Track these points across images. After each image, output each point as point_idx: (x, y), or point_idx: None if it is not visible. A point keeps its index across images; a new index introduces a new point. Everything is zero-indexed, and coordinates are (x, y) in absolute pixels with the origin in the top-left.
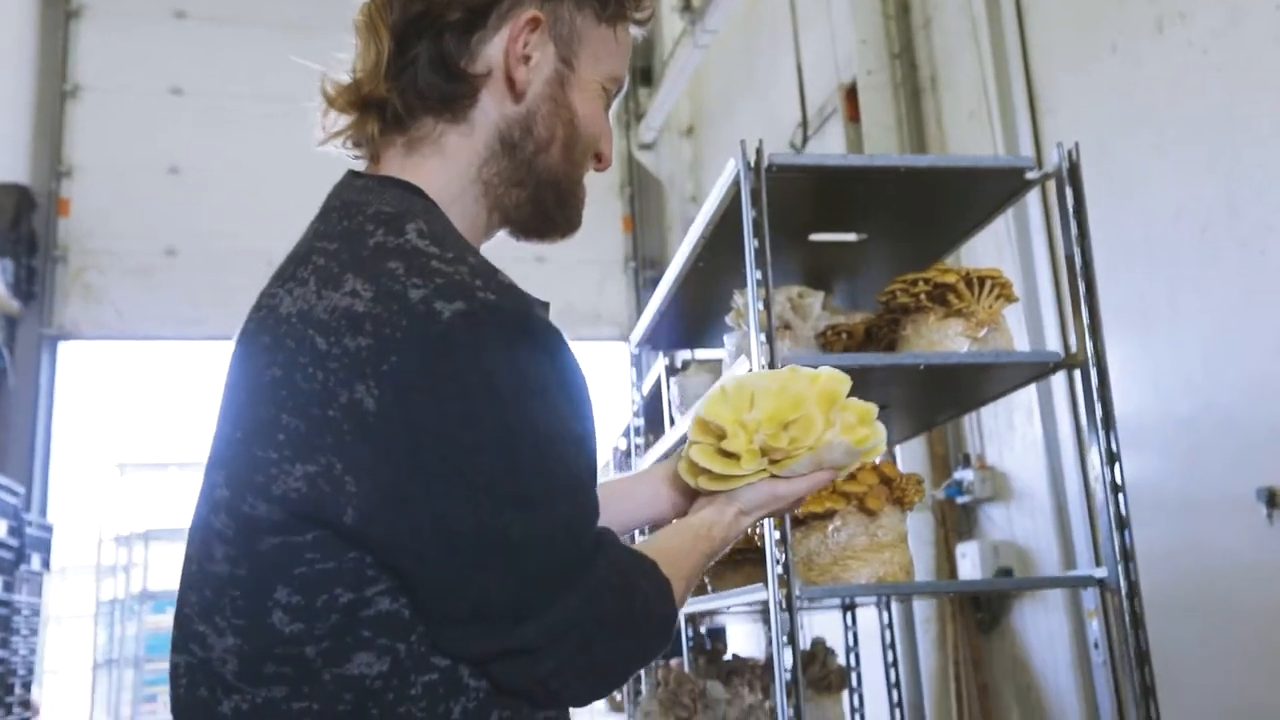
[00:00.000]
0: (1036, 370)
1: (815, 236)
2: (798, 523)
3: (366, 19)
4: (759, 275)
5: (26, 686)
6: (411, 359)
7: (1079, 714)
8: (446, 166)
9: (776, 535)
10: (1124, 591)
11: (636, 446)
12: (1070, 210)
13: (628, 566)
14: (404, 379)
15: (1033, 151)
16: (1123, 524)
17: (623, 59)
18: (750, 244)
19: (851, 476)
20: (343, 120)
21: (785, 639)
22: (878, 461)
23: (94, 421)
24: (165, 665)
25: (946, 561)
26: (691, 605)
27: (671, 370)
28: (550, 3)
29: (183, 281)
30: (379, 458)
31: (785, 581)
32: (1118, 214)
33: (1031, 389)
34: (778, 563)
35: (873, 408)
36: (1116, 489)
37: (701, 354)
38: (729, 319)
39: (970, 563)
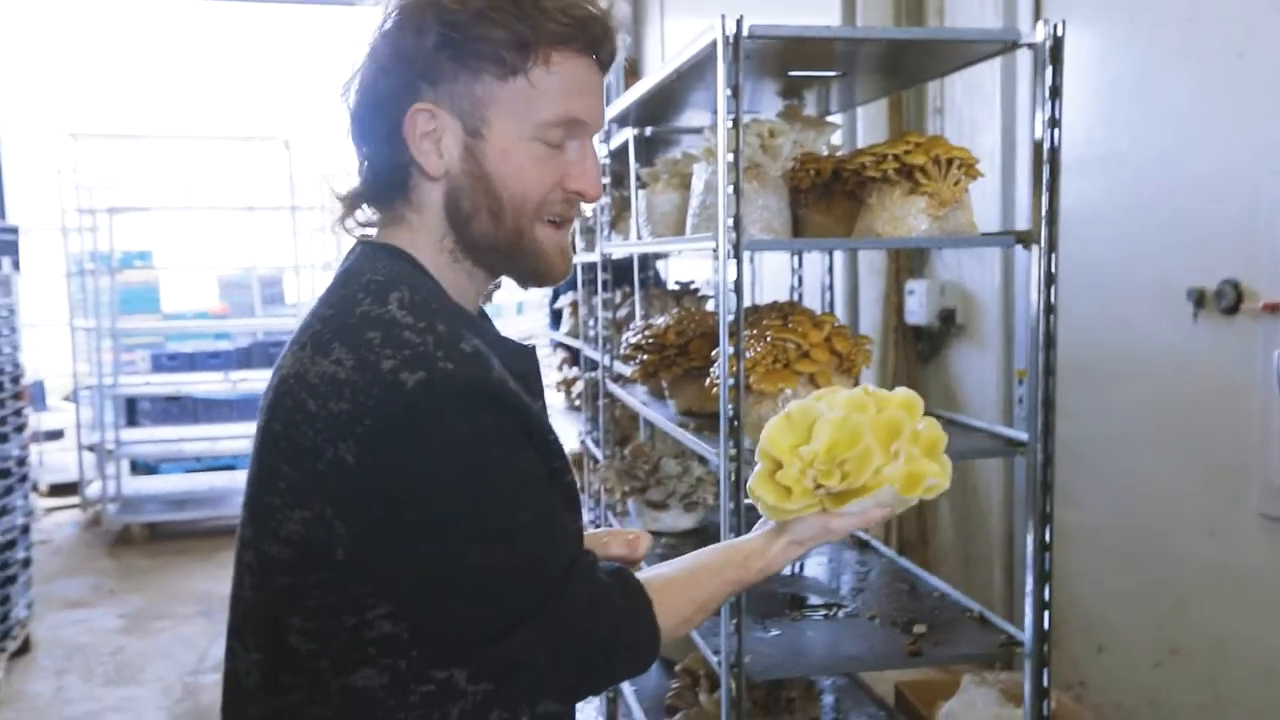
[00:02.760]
0: (994, 244)
1: (794, 72)
2: (749, 390)
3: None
4: (730, 123)
5: (15, 381)
6: (382, 423)
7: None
8: (418, 238)
9: (730, 409)
10: (1042, 370)
11: (602, 225)
12: (1047, 90)
13: (604, 588)
14: (376, 440)
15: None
16: (1050, 310)
17: (554, 102)
18: (724, 93)
19: (805, 355)
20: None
21: (731, 489)
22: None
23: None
24: (142, 323)
25: (895, 295)
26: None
27: (640, 143)
28: (443, 85)
29: None
30: (360, 506)
31: (737, 445)
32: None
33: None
34: (730, 422)
35: (942, 437)
36: (1049, 310)
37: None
38: (698, 152)
39: (917, 300)
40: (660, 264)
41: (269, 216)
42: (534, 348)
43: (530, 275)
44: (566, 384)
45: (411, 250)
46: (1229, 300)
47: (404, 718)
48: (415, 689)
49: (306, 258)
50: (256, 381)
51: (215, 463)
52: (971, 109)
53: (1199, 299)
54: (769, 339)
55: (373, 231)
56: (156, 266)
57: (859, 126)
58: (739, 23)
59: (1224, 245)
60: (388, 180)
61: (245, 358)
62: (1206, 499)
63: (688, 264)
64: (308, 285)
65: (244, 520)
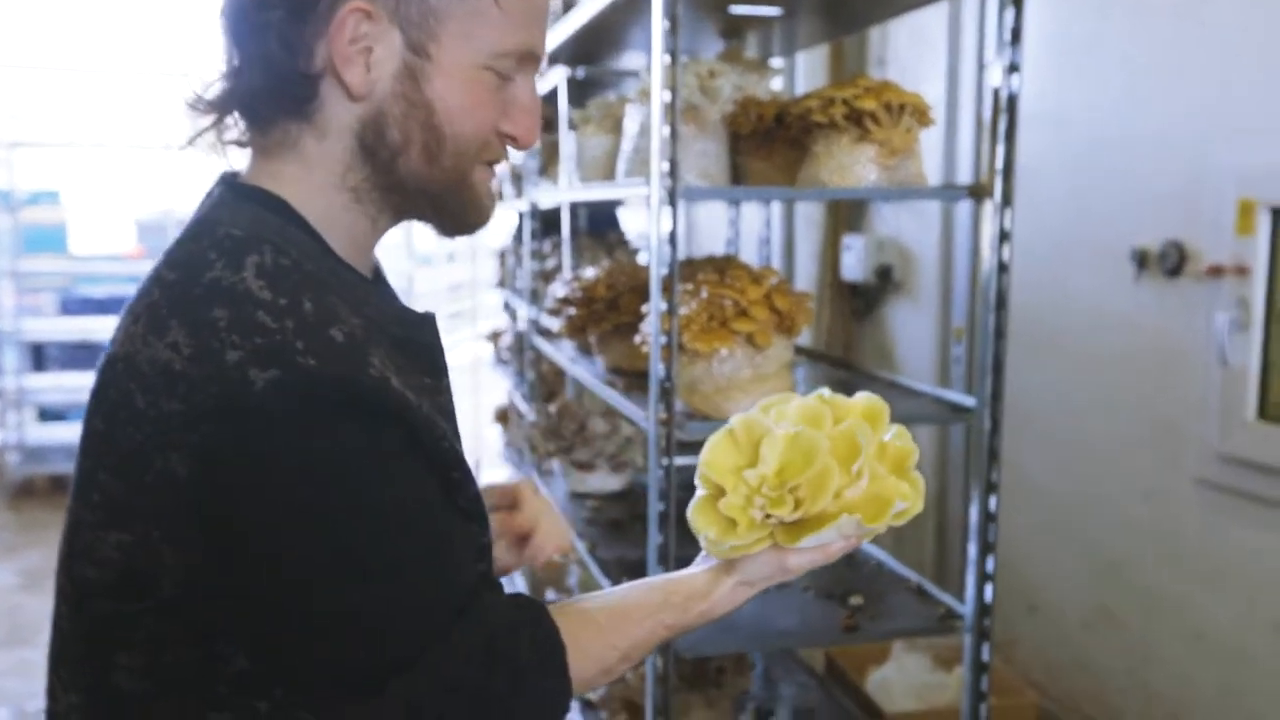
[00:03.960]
0: (944, 198)
1: (735, 8)
2: (682, 350)
3: (211, 17)
4: (667, 59)
5: None
6: (222, 432)
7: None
8: (309, 174)
9: (662, 370)
10: (991, 332)
11: (529, 170)
12: (1008, 33)
13: (505, 634)
14: (214, 454)
15: None
16: (1003, 269)
17: (516, 28)
18: (661, 25)
19: (743, 312)
20: (206, 120)
21: (662, 460)
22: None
23: None
24: (47, 265)
25: (832, 250)
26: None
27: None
28: None
29: None
30: (193, 533)
31: (668, 409)
32: None
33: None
34: (661, 383)
35: (912, 450)
36: (1002, 268)
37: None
38: (633, 93)
39: (854, 256)
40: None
41: (188, 156)
42: (434, 317)
43: (458, 223)
44: (495, 336)
45: (291, 191)
46: (1172, 261)
47: None
48: None
49: None
50: None
51: None
52: (916, 59)
53: (1142, 260)
54: (704, 295)
55: (242, 160)
56: (65, 205)
57: (798, 76)
58: None
59: (1169, 206)
60: (278, 93)
61: None
62: (1143, 462)
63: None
64: None
65: (63, 532)
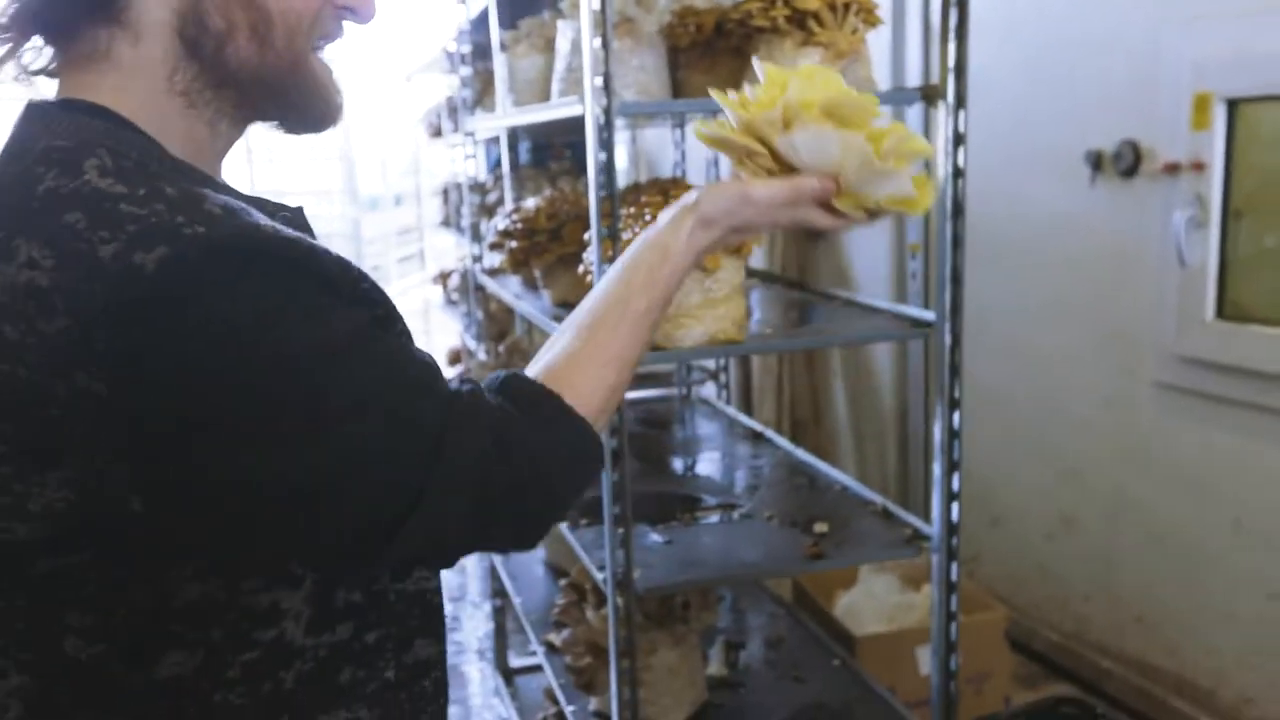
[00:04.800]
0: (895, 101)
1: None
2: None
3: None
4: None
5: None
6: (127, 331)
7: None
8: (131, 82)
9: None
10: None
11: (464, 100)
12: None
13: (500, 416)
14: (126, 356)
15: None
16: (959, 174)
17: None
18: None
19: None
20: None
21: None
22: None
23: None
24: None
25: None
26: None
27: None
28: None
29: None
30: (141, 441)
31: None
32: None
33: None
34: None
35: (927, 149)
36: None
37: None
38: (564, 6)
39: None
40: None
41: None
42: (301, 209)
43: (304, 116)
44: (443, 277)
45: (114, 101)
46: (1127, 162)
47: (222, 701)
48: (234, 660)
49: None
50: None
51: None
52: None
53: (1096, 161)
54: (648, 218)
55: (46, 89)
56: None
57: None
58: None
59: (1123, 105)
60: None
61: None
62: (1102, 367)
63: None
64: None
65: None
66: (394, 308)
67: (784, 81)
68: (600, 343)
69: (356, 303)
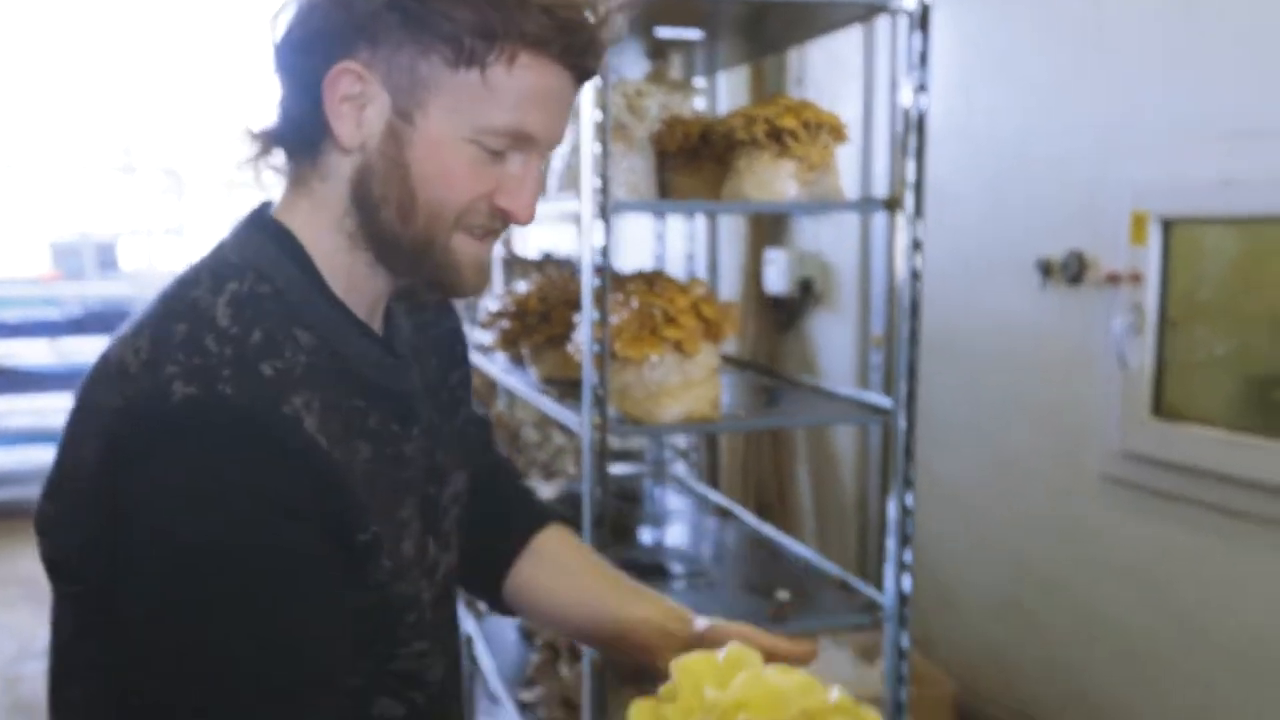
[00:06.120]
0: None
1: (660, 29)
2: (613, 357)
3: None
4: (598, 80)
5: None
6: (131, 430)
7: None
8: (316, 212)
9: (595, 376)
10: (906, 338)
11: None
12: (916, 56)
13: None
14: (118, 446)
15: None
16: (916, 277)
17: (506, 109)
18: None
19: (671, 321)
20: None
21: (596, 474)
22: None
23: None
24: None
25: (754, 264)
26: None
27: None
28: (383, 50)
29: None
30: (96, 513)
31: (601, 414)
32: None
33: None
34: (594, 389)
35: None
36: (915, 276)
37: None
38: None
39: (776, 269)
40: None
41: (104, 178)
42: (409, 363)
43: (437, 285)
44: None
45: (303, 225)
46: (1074, 270)
47: None
48: None
49: (144, 222)
50: (88, 351)
51: (42, 436)
52: (832, 80)
53: (1046, 269)
54: (635, 305)
55: (278, 188)
56: None
57: (720, 95)
58: None
59: (1071, 219)
60: (298, 130)
61: (75, 326)
62: (1050, 461)
63: (547, 232)
64: (144, 251)
65: None
66: (377, 536)
67: (699, 682)
68: None
69: (334, 517)
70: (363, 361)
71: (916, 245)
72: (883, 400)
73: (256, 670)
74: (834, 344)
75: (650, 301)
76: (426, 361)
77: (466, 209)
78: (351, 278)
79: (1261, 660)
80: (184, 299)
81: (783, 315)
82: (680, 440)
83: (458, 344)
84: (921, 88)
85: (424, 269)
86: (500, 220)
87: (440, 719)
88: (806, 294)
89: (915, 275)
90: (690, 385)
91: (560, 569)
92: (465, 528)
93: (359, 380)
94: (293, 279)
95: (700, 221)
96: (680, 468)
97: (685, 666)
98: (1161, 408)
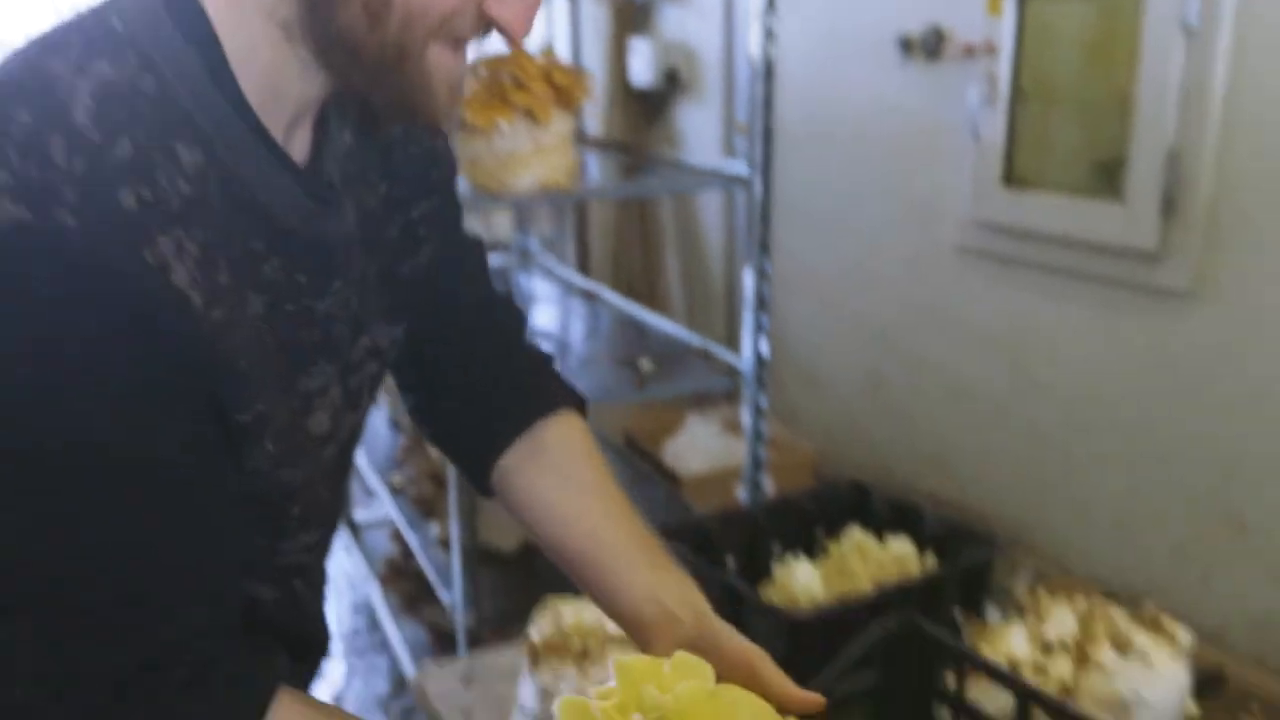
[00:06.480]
0: None
1: None
2: (464, 126)
3: None
4: None
5: None
6: None
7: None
8: None
9: None
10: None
11: None
12: None
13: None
14: None
15: None
16: (768, 35)
17: None
18: None
19: (521, 86)
20: None
21: None
22: None
23: None
24: None
25: (618, 54)
26: None
27: None
28: None
29: None
30: None
31: None
32: None
33: None
34: None
35: None
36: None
37: None
38: None
39: (641, 60)
40: None
41: None
42: (336, 196)
43: (398, 107)
44: None
45: (218, 6)
46: (932, 45)
47: None
48: None
49: None
50: None
51: None
52: None
53: (906, 45)
54: (483, 74)
55: None
56: None
57: None
58: None
59: None
60: None
61: None
62: (908, 236)
63: None
64: None
65: None
66: (265, 413)
67: (637, 684)
68: None
69: (202, 378)
70: (268, 191)
71: (771, 4)
72: (741, 168)
73: (89, 582)
74: (700, 133)
75: (499, 68)
76: (373, 191)
77: (452, 14)
78: (274, 81)
79: (1088, 408)
80: (38, 68)
81: (649, 106)
82: (546, 228)
83: (433, 168)
84: None
85: (386, 85)
86: (485, 32)
87: (314, 596)
88: (672, 84)
89: (769, 34)
90: (543, 153)
91: (564, 479)
92: (405, 382)
93: (259, 216)
94: (188, 73)
95: (560, 5)
96: (549, 260)
97: (625, 666)
98: (1012, 177)
